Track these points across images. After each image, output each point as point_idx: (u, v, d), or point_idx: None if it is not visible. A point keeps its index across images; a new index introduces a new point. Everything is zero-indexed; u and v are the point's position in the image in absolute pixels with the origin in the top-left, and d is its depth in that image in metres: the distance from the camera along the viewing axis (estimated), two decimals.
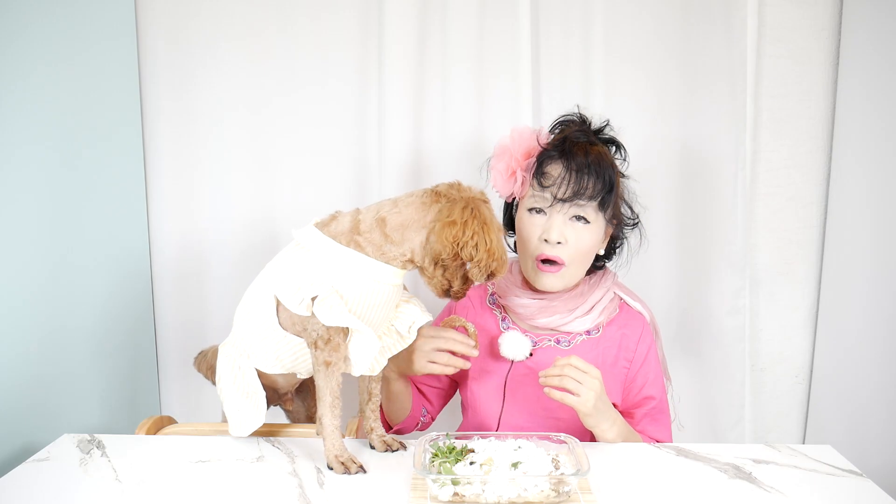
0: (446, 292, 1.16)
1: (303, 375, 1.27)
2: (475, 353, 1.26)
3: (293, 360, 1.21)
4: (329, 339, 1.11)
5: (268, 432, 1.29)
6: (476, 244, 1.06)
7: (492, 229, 1.09)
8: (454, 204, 1.08)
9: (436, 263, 1.11)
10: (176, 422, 1.39)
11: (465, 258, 1.08)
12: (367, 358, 1.14)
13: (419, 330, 1.24)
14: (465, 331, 1.28)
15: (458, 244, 1.06)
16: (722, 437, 1.85)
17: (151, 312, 1.84)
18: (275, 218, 1.83)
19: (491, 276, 1.11)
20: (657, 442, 1.34)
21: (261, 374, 1.25)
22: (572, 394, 1.18)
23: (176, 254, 1.83)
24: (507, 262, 1.13)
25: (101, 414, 1.60)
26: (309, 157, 1.80)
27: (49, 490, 1.07)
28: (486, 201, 1.12)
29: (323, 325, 1.11)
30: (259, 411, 1.23)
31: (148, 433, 1.31)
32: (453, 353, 1.25)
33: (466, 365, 1.26)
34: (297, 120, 1.79)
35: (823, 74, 1.76)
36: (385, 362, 1.20)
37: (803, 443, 1.87)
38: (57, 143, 1.45)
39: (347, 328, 1.13)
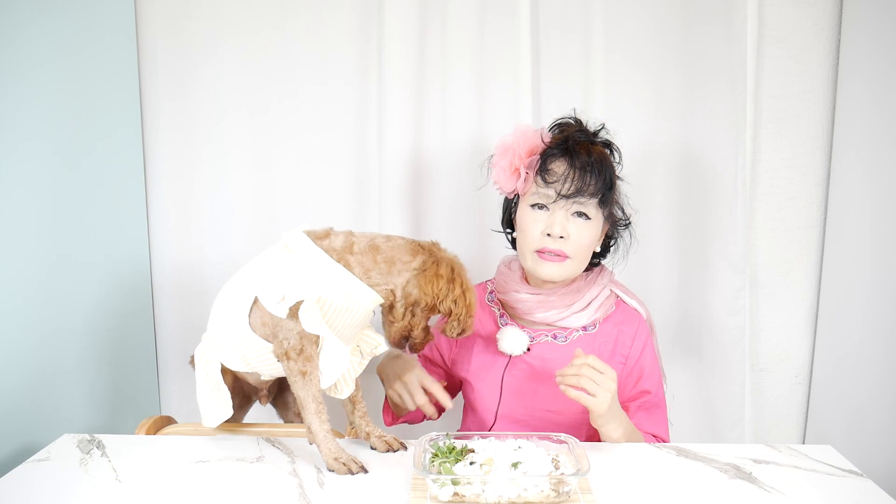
0: (404, 339, 1.20)
1: (265, 377, 1.27)
2: (449, 405, 1.35)
3: (259, 360, 1.19)
4: (301, 350, 1.12)
5: (268, 432, 1.29)
6: (455, 300, 1.15)
7: (471, 292, 1.17)
8: (440, 261, 1.15)
9: (406, 308, 1.16)
10: (176, 422, 1.39)
11: (443, 311, 1.16)
12: (337, 371, 1.14)
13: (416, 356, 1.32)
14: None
15: (438, 297, 1.13)
16: (722, 438, 1.85)
17: (151, 312, 1.84)
18: (274, 217, 1.82)
19: (462, 333, 1.18)
20: (654, 436, 1.35)
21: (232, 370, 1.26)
22: (589, 394, 1.18)
23: (176, 253, 1.83)
24: (474, 324, 1.21)
25: (101, 414, 1.60)
26: (309, 157, 1.80)
27: (49, 490, 1.07)
28: (463, 266, 1.19)
29: (295, 335, 1.11)
30: (226, 404, 1.23)
31: (148, 433, 1.32)
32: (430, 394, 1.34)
33: (433, 414, 1.35)
34: (296, 120, 1.79)
35: (823, 74, 1.76)
36: (353, 386, 1.21)
37: (803, 443, 1.87)
38: (57, 143, 1.45)
39: (318, 338, 1.14)
